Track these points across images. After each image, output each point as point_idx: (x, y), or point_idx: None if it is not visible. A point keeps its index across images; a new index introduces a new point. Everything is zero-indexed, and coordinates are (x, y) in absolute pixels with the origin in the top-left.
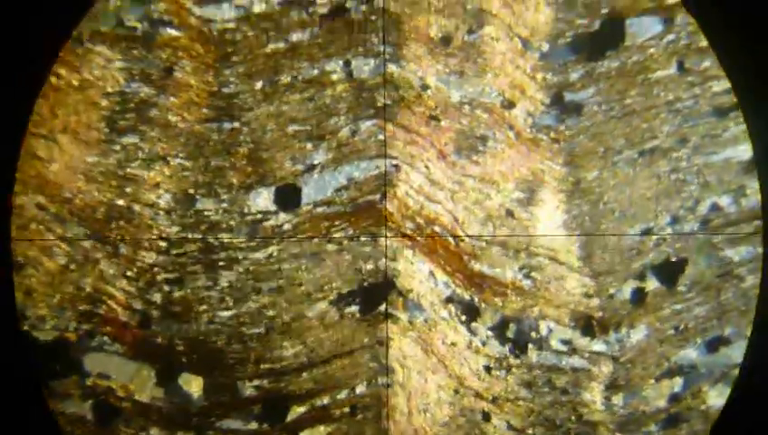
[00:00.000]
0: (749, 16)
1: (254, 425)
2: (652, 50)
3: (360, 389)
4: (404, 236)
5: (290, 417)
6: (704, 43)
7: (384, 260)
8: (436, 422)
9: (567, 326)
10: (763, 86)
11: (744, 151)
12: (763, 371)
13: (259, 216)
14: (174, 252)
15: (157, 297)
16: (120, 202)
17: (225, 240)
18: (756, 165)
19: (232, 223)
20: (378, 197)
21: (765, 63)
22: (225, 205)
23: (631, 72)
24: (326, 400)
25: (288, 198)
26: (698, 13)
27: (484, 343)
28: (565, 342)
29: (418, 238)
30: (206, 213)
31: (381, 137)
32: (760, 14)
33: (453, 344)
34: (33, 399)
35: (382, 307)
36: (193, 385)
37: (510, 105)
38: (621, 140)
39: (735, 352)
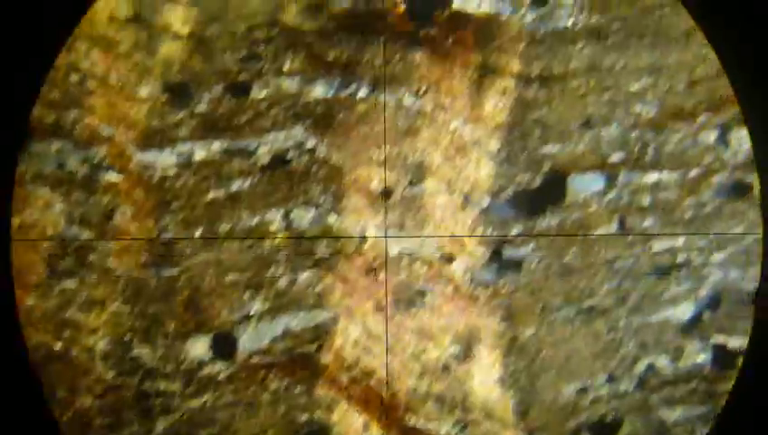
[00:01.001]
0: (749, 16)
1: None
2: (593, 207)
3: None
4: (339, 388)
5: None
6: (646, 202)
7: (319, 411)
8: None
9: None
10: (762, 85)
11: (683, 312)
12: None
13: (195, 364)
14: (109, 397)
15: None
16: (58, 346)
17: (161, 387)
18: (756, 168)
19: (168, 370)
20: (314, 348)
21: (765, 61)
22: (161, 351)
23: (571, 229)
24: None
25: (225, 346)
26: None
27: None
28: None
29: (354, 390)
30: (142, 359)
31: (319, 288)
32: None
33: None
34: (33, 400)
35: None
36: None
37: (449, 259)
38: (560, 298)
39: None
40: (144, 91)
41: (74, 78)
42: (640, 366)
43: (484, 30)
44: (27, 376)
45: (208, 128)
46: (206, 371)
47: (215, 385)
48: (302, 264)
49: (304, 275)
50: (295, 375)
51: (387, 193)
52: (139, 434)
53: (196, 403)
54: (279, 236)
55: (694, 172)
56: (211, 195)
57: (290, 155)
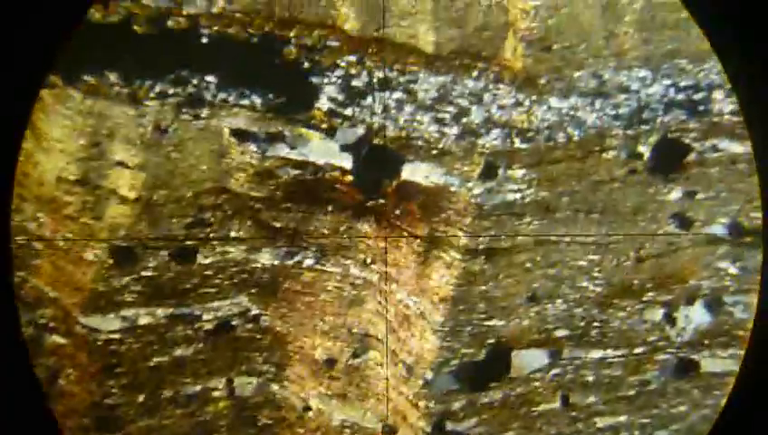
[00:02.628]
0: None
1: None
2: (537, 383)
3: None
4: None
5: None
6: (590, 378)
7: None
8: None
9: None
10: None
11: None
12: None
13: None
14: None
15: None
16: None
17: None
18: (756, 166)
19: None
20: None
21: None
22: None
23: (515, 404)
24: None
25: None
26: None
27: None
28: None
29: None
30: None
31: None
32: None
33: None
34: (32, 399)
35: None
36: None
37: (391, 432)
38: None
39: None
40: (90, 255)
41: (21, 239)
42: None
43: (432, 202)
44: (27, 376)
45: (153, 293)
46: None
47: None
48: (244, 432)
49: None
50: None
51: (330, 362)
52: None
53: None
54: (222, 403)
55: (639, 350)
56: (155, 360)
57: (234, 322)
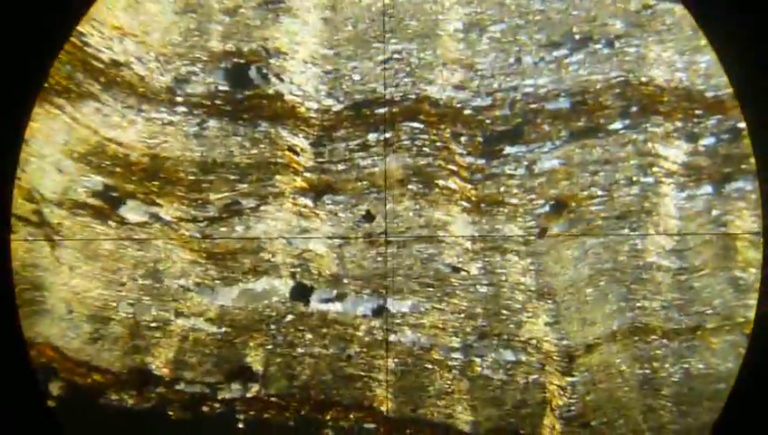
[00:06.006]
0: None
1: None
2: None
3: None
4: None
5: None
6: None
7: None
8: None
9: None
10: (762, 84)
11: None
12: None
13: None
14: None
15: None
16: None
17: None
18: (756, 165)
19: None
20: None
21: (765, 61)
22: None
23: None
24: None
25: None
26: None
27: None
28: None
29: None
30: None
31: None
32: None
33: None
34: (32, 399)
35: None
36: None
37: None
38: None
39: None
40: None
41: None
42: None
43: None
44: (26, 372)
45: None
46: None
47: None
48: None
49: None
50: None
51: None
52: None
53: None
54: None
55: None
56: None
57: None
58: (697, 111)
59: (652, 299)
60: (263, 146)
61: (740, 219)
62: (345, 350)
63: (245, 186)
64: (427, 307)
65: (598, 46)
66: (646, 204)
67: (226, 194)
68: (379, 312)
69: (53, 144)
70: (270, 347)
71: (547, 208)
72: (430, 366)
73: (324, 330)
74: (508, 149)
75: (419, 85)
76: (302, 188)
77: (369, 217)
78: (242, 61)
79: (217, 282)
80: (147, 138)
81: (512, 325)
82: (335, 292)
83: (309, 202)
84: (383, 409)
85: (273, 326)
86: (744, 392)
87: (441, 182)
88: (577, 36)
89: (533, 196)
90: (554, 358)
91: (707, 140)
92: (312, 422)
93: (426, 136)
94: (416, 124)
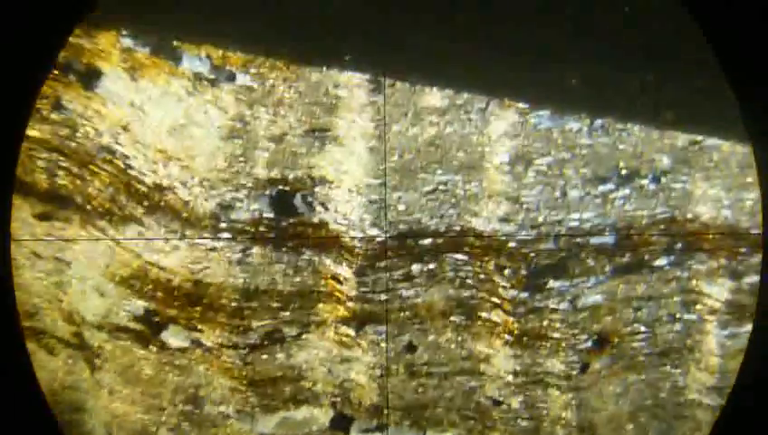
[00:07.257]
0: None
1: None
2: None
3: None
4: None
5: None
6: None
7: None
8: None
9: None
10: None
11: None
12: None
13: None
14: None
15: None
16: None
17: None
18: (756, 166)
19: None
20: None
21: (762, 61)
22: None
23: None
24: None
25: None
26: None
27: None
28: None
29: None
30: None
31: None
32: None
33: None
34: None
35: None
36: None
37: None
38: None
39: None
40: None
41: None
42: None
43: None
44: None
45: None
46: None
47: None
48: None
49: None
50: None
51: None
52: None
53: None
54: None
55: None
56: None
57: None
58: (742, 249)
59: None
60: (306, 274)
61: None
62: None
63: (288, 313)
64: None
65: (644, 182)
66: (688, 341)
67: (268, 321)
68: None
69: (95, 267)
70: None
71: (590, 344)
72: None
73: None
74: (552, 283)
75: (464, 217)
76: (345, 318)
77: (411, 347)
78: (287, 188)
79: (257, 409)
80: (190, 263)
81: None
82: (375, 422)
83: (351, 332)
84: None
85: None
86: (744, 392)
87: (484, 314)
88: (624, 171)
89: (576, 331)
90: None
91: (751, 278)
92: None
93: (469, 268)
94: (460, 256)
